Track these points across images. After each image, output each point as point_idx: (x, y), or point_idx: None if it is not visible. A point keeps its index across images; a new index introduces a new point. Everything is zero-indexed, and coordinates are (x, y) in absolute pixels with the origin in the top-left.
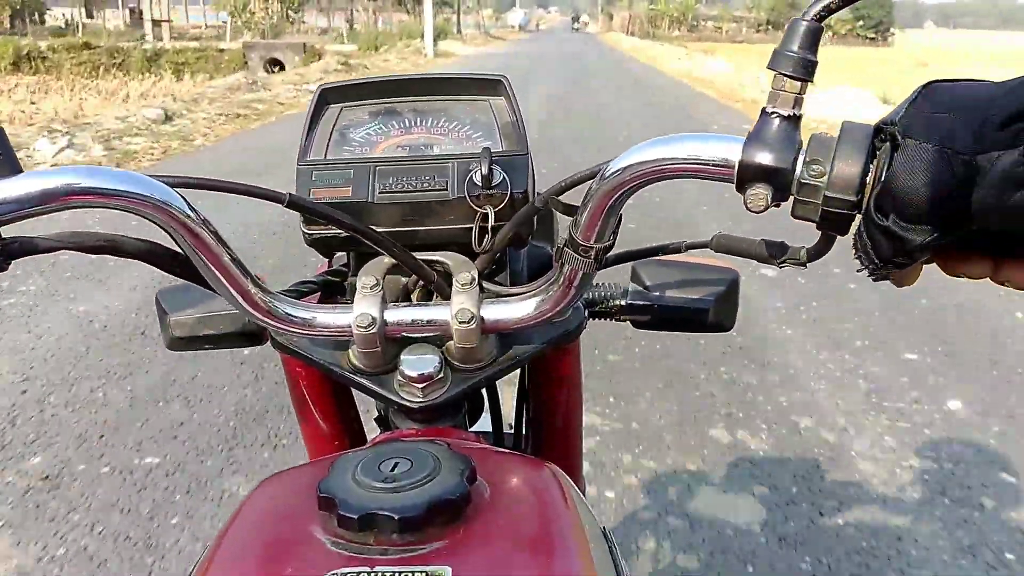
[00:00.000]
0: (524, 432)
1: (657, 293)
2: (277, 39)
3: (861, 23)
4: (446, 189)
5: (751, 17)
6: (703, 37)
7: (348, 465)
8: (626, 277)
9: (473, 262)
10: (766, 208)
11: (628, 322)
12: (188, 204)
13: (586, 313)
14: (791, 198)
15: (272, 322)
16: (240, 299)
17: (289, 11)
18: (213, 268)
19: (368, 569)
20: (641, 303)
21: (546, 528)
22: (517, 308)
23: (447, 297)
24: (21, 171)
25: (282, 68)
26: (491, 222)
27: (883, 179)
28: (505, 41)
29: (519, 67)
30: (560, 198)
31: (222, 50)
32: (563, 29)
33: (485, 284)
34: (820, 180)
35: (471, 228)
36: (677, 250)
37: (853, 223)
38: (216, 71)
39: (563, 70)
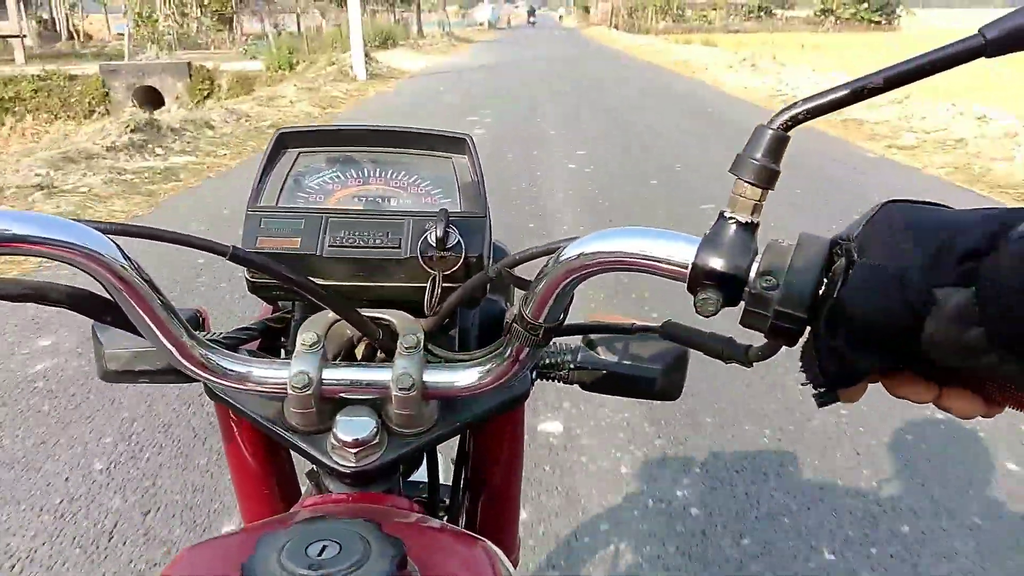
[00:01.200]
0: (460, 493)
1: (606, 359)
2: (154, 59)
3: (865, 5)
4: (399, 247)
5: (739, 2)
6: (692, 28)
7: (273, 544)
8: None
9: (420, 322)
10: (715, 313)
11: (576, 385)
12: (122, 252)
13: (533, 375)
14: (741, 303)
15: (205, 374)
16: (173, 350)
17: (204, 16)
18: (145, 318)
19: None
20: (590, 368)
21: None
22: (461, 376)
23: (392, 354)
24: None
25: (161, 102)
26: (438, 286)
27: (835, 297)
28: (472, 44)
29: (501, 101)
30: (514, 271)
31: (74, 77)
32: (538, 26)
33: (431, 347)
34: (771, 293)
35: (421, 288)
36: (627, 330)
37: (802, 337)
38: (63, 108)
39: (573, 102)
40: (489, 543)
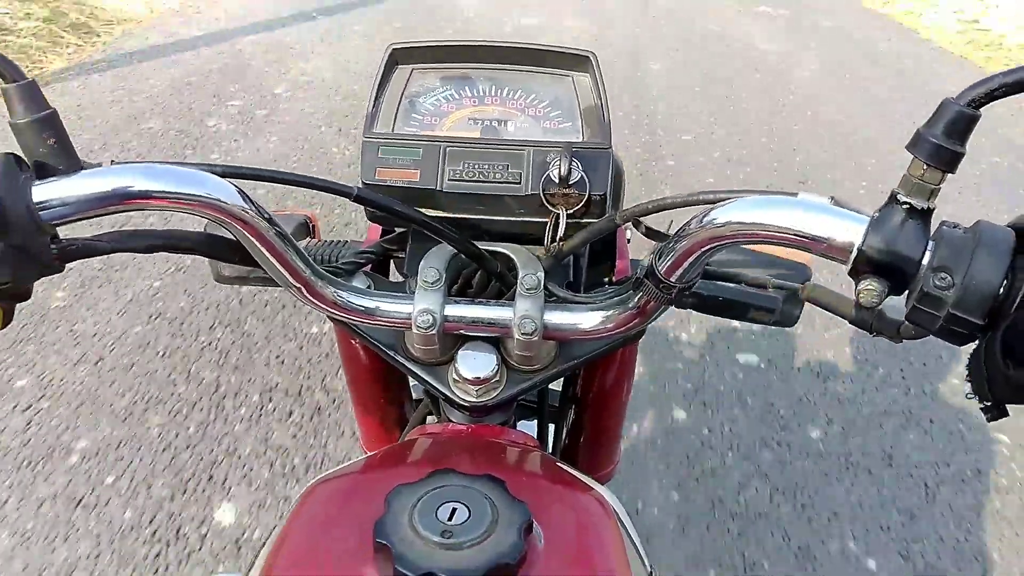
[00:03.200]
0: (569, 417)
1: (725, 283)
2: None
3: None
4: (519, 182)
5: None
6: None
7: (404, 503)
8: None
9: (539, 257)
10: (879, 304)
11: (690, 308)
12: (243, 195)
13: None
14: (906, 295)
15: (333, 311)
16: (301, 289)
17: None
18: (271, 259)
19: None
20: (707, 293)
21: None
22: (581, 318)
23: (509, 286)
24: (80, 167)
25: None
26: (562, 225)
27: (1015, 310)
28: None
29: None
30: (645, 220)
31: None
32: None
33: (550, 286)
34: (946, 293)
35: (540, 222)
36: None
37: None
38: None
39: None
40: (605, 494)
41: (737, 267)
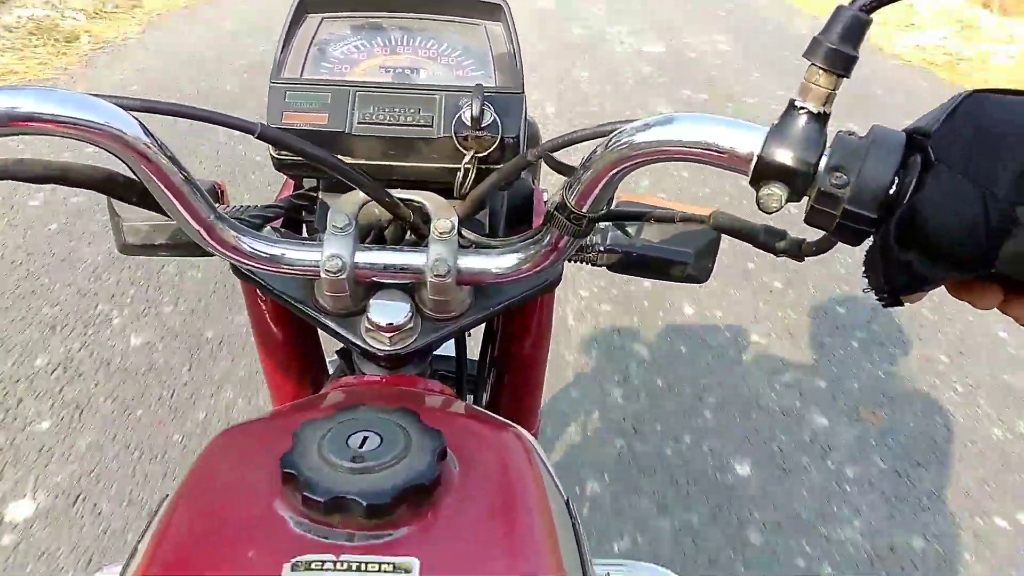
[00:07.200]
0: (487, 371)
1: (637, 241)
2: None
3: None
4: (431, 126)
5: None
6: None
7: (313, 435)
8: None
9: (453, 206)
10: (779, 209)
11: (604, 267)
12: (144, 130)
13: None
14: (805, 200)
15: (236, 257)
16: (202, 231)
17: None
18: (172, 198)
19: (334, 557)
20: (620, 249)
21: (513, 512)
22: (496, 262)
23: (423, 237)
24: None
25: None
26: (473, 168)
27: (907, 203)
28: None
29: None
30: (556, 155)
31: None
32: None
33: (464, 231)
34: (842, 191)
35: (453, 168)
36: (670, 219)
37: (867, 238)
38: None
39: None
40: (522, 430)
41: (648, 227)
